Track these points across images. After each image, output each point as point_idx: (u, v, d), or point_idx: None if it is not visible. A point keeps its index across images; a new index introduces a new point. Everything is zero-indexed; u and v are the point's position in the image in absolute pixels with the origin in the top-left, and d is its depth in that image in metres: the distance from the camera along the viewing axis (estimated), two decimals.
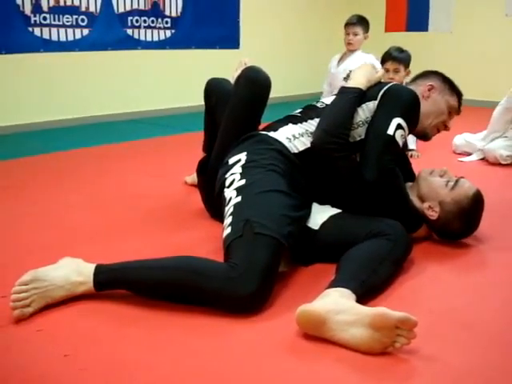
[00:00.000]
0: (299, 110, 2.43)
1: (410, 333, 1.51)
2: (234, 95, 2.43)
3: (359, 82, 2.31)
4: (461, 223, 2.28)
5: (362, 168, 2.16)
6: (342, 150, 2.16)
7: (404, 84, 3.11)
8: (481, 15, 6.97)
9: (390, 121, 2.18)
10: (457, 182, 2.30)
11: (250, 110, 2.42)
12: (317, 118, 2.29)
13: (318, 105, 2.40)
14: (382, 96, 2.27)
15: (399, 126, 2.19)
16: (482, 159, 4.01)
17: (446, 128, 2.46)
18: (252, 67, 2.47)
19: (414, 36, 7.41)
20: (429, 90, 2.40)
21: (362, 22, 4.81)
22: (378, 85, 2.35)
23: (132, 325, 1.69)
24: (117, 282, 1.81)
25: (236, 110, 2.42)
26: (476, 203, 2.27)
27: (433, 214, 2.28)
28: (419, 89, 2.40)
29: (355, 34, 4.77)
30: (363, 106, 2.28)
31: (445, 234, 2.35)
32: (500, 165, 3.86)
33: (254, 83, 2.40)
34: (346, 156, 2.17)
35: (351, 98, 2.26)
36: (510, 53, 6.60)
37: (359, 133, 2.26)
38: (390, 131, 2.17)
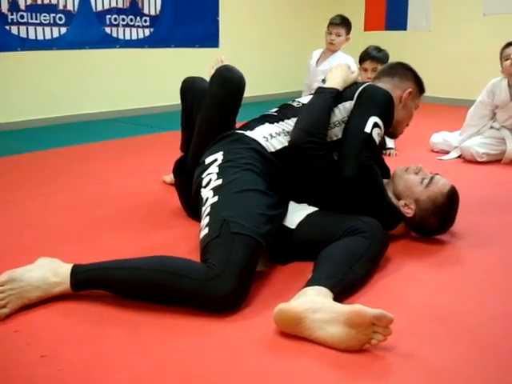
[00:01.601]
0: (275, 109, 2.44)
1: (385, 329, 1.53)
2: (209, 95, 2.43)
3: (335, 82, 2.33)
4: (437, 220, 2.31)
5: (341, 165, 2.17)
6: (319, 149, 2.17)
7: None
8: (459, 14, 7.02)
9: (367, 119, 2.20)
10: (432, 179, 2.32)
11: (224, 109, 2.41)
12: (293, 117, 2.30)
13: (295, 104, 2.41)
14: (359, 96, 2.29)
15: (376, 125, 2.21)
16: (459, 157, 4.05)
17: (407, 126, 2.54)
18: (226, 66, 2.47)
19: (393, 35, 7.45)
20: (408, 96, 2.41)
21: (345, 23, 4.85)
22: (354, 85, 2.37)
23: (110, 325, 1.69)
24: (94, 283, 1.80)
25: (210, 109, 2.42)
26: (451, 200, 2.30)
27: (409, 212, 2.30)
28: (397, 93, 2.39)
29: (338, 35, 4.80)
30: (340, 106, 2.30)
31: (421, 230, 2.38)
32: (476, 162, 3.90)
33: (228, 82, 2.40)
34: (324, 155, 2.18)
35: (328, 98, 2.27)
36: (488, 52, 6.62)
37: (336, 132, 2.28)
38: (368, 129, 2.19)
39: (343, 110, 2.30)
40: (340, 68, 2.44)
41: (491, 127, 4.03)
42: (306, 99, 2.41)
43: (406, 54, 6.84)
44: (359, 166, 2.16)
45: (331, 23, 4.85)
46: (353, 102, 2.29)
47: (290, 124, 2.29)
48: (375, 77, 2.58)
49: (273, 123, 2.31)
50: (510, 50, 3.82)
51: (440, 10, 7.19)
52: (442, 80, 6.94)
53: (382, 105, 2.28)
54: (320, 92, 2.33)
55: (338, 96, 2.30)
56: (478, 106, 4.09)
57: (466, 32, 6.98)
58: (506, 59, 3.82)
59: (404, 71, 2.49)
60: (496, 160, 3.95)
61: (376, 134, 2.21)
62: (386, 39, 6.80)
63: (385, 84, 2.42)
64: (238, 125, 2.46)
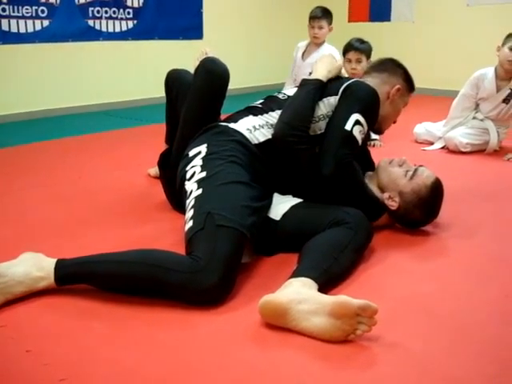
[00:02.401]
0: (260, 101, 2.43)
1: (370, 320, 1.54)
2: (193, 87, 2.42)
3: (320, 73, 2.34)
4: (421, 212, 2.32)
5: (320, 162, 2.18)
6: (302, 142, 2.17)
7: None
8: (443, 5, 7.04)
9: (349, 116, 2.21)
10: (415, 171, 2.33)
11: (208, 101, 2.40)
12: (278, 109, 2.30)
13: (280, 96, 2.41)
14: (343, 92, 2.29)
15: (357, 122, 2.21)
16: (443, 147, 4.07)
17: (394, 123, 2.55)
18: (210, 58, 2.46)
19: (377, 26, 7.47)
20: (396, 93, 2.41)
21: (326, 14, 4.84)
22: (340, 80, 2.37)
23: (95, 319, 1.68)
24: (78, 277, 1.79)
25: (195, 101, 2.41)
26: (435, 192, 2.31)
27: (393, 204, 2.31)
28: (385, 88, 2.40)
29: (320, 28, 4.80)
30: (324, 100, 2.30)
31: (406, 222, 2.39)
32: (460, 152, 3.92)
33: (212, 74, 2.39)
34: (306, 149, 2.19)
35: (311, 90, 2.28)
36: (471, 42, 6.68)
37: (320, 126, 2.29)
38: (348, 126, 2.19)
39: (328, 104, 2.30)
40: (324, 59, 2.44)
41: (474, 118, 4.06)
42: (291, 91, 2.41)
43: (390, 44, 6.89)
44: (336, 163, 2.16)
45: (312, 17, 4.84)
46: (337, 97, 2.29)
47: (274, 116, 2.29)
48: (365, 71, 2.59)
49: (257, 115, 2.31)
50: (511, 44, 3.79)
51: (423, 0, 7.20)
52: (425, 71, 6.93)
53: (366, 101, 2.28)
54: (304, 84, 2.33)
55: (322, 87, 2.30)
56: (461, 98, 4.11)
57: (449, 23, 7.00)
58: (508, 58, 3.79)
59: (394, 67, 2.48)
60: (479, 150, 3.98)
61: (357, 132, 2.21)
62: (370, 30, 6.82)
63: (373, 79, 2.43)
64: (222, 117, 2.45)
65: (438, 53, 7.09)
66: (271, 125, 2.27)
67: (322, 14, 4.81)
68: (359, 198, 2.24)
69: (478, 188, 3.13)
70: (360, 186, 2.26)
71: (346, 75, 2.50)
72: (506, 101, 3.90)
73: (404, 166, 2.37)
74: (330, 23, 4.84)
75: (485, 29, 5.92)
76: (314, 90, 2.28)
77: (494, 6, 6.58)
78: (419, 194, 2.28)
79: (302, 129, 2.19)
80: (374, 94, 2.30)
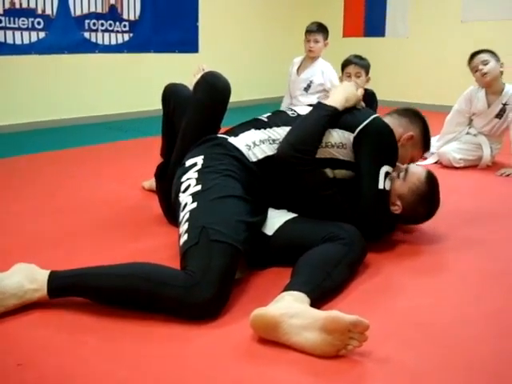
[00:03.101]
0: (267, 115, 2.43)
1: (361, 335, 1.54)
2: (194, 100, 2.42)
3: (337, 100, 2.32)
4: (424, 207, 2.39)
5: (360, 220, 2.19)
6: (305, 164, 2.19)
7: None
8: (437, 21, 7.10)
9: (378, 172, 2.23)
10: (407, 170, 2.38)
11: (209, 115, 2.40)
12: (283, 125, 2.30)
13: (289, 113, 2.40)
14: (362, 134, 2.27)
15: (387, 174, 2.25)
16: (436, 162, 4.09)
17: None
18: (211, 72, 2.46)
19: (372, 41, 7.51)
20: (408, 140, 2.42)
21: (322, 29, 4.86)
22: (356, 114, 2.34)
23: (87, 333, 1.68)
24: (72, 289, 1.79)
25: (196, 114, 2.40)
26: (431, 184, 2.38)
27: (396, 209, 2.35)
28: (399, 131, 2.40)
29: (316, 42, 4.81)
30: (338, 131, 2.28)
31: (412, 220, 2.47)
32: (453, 167, 3.94)
33: (214, 88, 2.39)
34: (309, 170, 2.20)
35: (324, 115, 2.27)
36: (464, 58, 6.68)
37: (329, 152, 2.28)
38: (381, 185, 2.23)
39: (342, 137, 2.28)
40: (345, 86, 2.44)
41: (467, 133, 4.08)
42: (302, 109, 2.40)
43: (384, 60, 6.94)
44: (379, 224, 2.28)
45: (308, 31, 4.86)
46: (353, 135, 2.27)
47: (277, 132, 2.29)
48: (388, 112, 2.56)
49: (259, 129, 2.30)
50: (476, 61, 3.88)
51: (417, 16, 7.26)
52: (419, 86, 7.01)
53: (388, 146, 2.30)
54: (318, 107, 2.32)
55: (335, 115, 2.29)
56: (454, 113, 4.15)
57: (443, 39, 7.06)
58: (476, 71, 3.88)
59: (416, 117, 2.51)
60: (472, 165, 4.00)
61: (388, 184, 2.27)
62: (364, 45, 6.86)
63: (393, 119, 2.44)
64: (223, 129, 2.45)
65: (432, 68, 7.13)
66: (273, 140, 2.26)
67: (318, 29, 4.83)
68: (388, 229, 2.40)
69: (470, 203, 3.14)
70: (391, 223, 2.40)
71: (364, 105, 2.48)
72: (498, 116, 3.93)
73: (395, 170, 2.37)
74: (325, 38, 4.86)
75: (479, 45, 5.91)
76: (327, 117, 2.26)
77: (487, 22, 6.64)
78: (417, 192, 2.33)
79: (307, 152, 2.19)
80: (392, 134, 2.31)
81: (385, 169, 2.25)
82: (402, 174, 2.36)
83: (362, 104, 2.47)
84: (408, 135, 2.42)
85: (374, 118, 2.32)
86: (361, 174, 2.27)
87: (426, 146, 2.54)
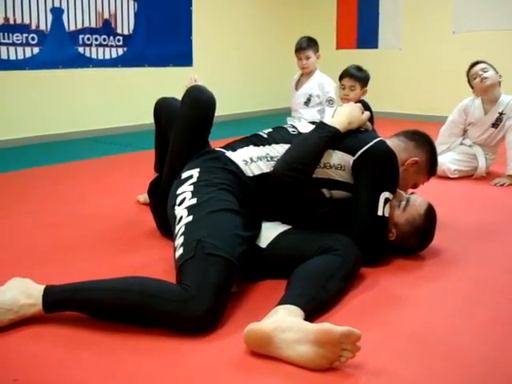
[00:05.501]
0: (268, 131, 2.42)
1: (354, 346, 1.53)
2: (180, 115, 2.42)
3: (340, 121, 2.31)
4: (417, 240, 2.36)
5: (360, 248, 2.13)
6: (299, 183, 2.17)
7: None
8: (429, 33, 7.15)
9: (378, 198, 2.21)
10: (408, 201, 2.34)
11: (195, 129, 2.39)
12: (282, 142, 2.30)
13: (290, 130, 2.39)
14: (363, 159, 2.24)
15: (387, 200, 2.23)
16: None
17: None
18: (196, 86, 2.46)
19: (365, 53, 7.54)
20: (412, 165, 2.40)
21: (311, 43, 4.83)
22: (359, 137, 2.32)
23: (83, 348, 1.67)
24: (67, 304, 1.78)
25: (181, 130, 2.40)
26: (429, 219, 2.34)
27: (390, 236, 2.34)
28: (404, 155, 2.37)
29: (307, 58, 4.79)
30: (338, 152, 2.27)
31: (403, 250, 2.41)
32: (448, 178, 3.95)
33: (198, 102, 2.38)
34: (303, 189, 2.19)
35: (324, 136, 2.25)
36: (457, 69, 6.71)
37: (326, 172, 2.27)
38: (380, 211, 2.21)
39: (341, 159, 2.26)
40: (351, 108, 2.40)
41: (462, 144, 4.10)
42: (303, 127, 2.40)
43: (377, 71, 6.93)
44: (379, 249, 2.30)
45: (297, 49, 4.82)
46: (353, 159, 2.24)
47: (276, 149, 2.28)
48: (397, 133, 2.53)
49: (258, 146, 2.30)
50: (476, 69, 3.91)
51: (410, 28, 7.31)
52: (412, 97, 7.04)
53: (389, 173, 2.27)
54: (320, 127, 2.31)
55: (336, 137, 2.27)
56: (449, 124, 4.17)
57: (435, 50, 7.11)
58: (475, 78, 3.91)
59: (423, 142, 2.47)
60: (467, 176, 4.01)
61: (387, 210, 2.24)
62: (357, 57, 6.87)
63: (399, 142, 2.42)
64: (221, 143, 2.44)
65: (425, 79, 7.17)
66: (271, 157, 2.26)
67: (307, 44, 4.79)
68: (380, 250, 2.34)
69: (465, 214, 3.15)
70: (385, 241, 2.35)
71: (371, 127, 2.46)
72: (495, 125, 3.95)
73: (397, 197, 2.34)
74: (316, 51, 4.84)
75: (471, 56, 5.96)
76: (328, 138, 2.25)
77: (479, 33, 6.69)
78: (414, 224, 2.31)
79: (302, 172, 2.17)
80: (394, 159, 2.27)
81: (385, 195, 2.22)
82: (402, 204, 2.33)
83: (369, 126, 2.45)
84: (412, 160, 2.40)
85: (377, 142, 2.28)
86: (359, 200, 2.25)
87: (431, 171, 2.51)
